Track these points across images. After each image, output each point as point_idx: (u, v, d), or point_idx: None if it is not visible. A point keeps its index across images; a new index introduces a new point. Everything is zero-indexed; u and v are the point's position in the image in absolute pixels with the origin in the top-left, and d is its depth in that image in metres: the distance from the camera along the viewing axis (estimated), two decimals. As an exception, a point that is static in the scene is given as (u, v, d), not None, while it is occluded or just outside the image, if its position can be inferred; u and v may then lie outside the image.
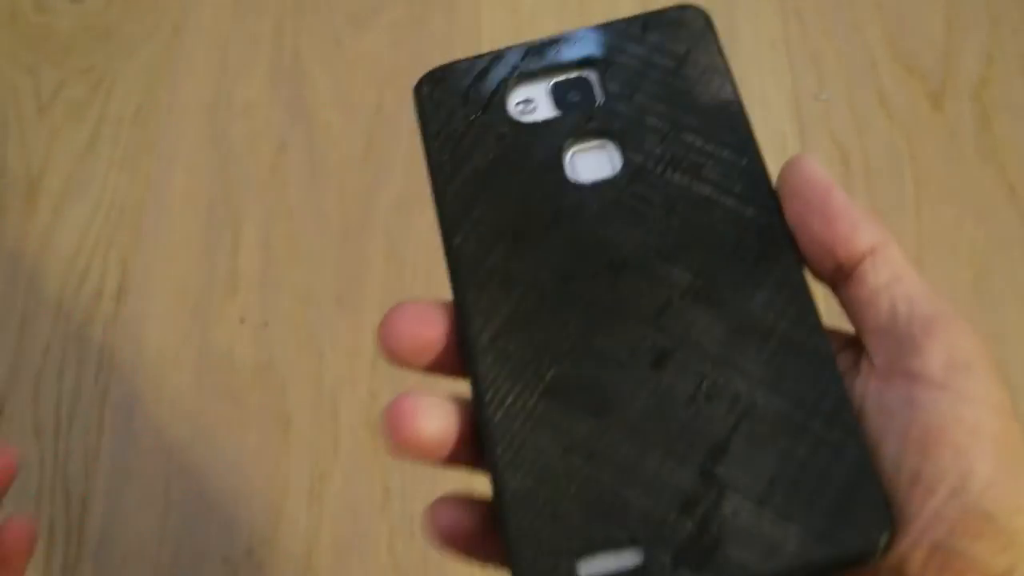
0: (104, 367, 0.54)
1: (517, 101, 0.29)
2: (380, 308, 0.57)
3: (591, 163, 0.28)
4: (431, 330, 0.27)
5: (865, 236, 0.26)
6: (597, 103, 0.28)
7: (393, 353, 0.27)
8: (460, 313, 0.27)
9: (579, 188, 0.28)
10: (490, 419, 0.26)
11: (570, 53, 0.29)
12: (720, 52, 0.28)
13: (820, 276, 0.27)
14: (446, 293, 0.27)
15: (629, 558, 0.25)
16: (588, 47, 0.29)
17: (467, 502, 0.26)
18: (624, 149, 0.28)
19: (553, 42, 0.29)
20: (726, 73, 0.28)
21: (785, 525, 0.25)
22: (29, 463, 0.52)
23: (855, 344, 0.27)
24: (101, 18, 0.63)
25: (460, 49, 0.60)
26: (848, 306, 0.27)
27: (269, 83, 0.61)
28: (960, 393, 0.25)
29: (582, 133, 0.28)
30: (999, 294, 0.55)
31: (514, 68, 0.29)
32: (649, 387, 0.26)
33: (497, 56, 0.29)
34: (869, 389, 0.26)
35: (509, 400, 0.26)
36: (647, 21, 0.29)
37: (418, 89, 0.29)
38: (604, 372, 0.26)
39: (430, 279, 0.56)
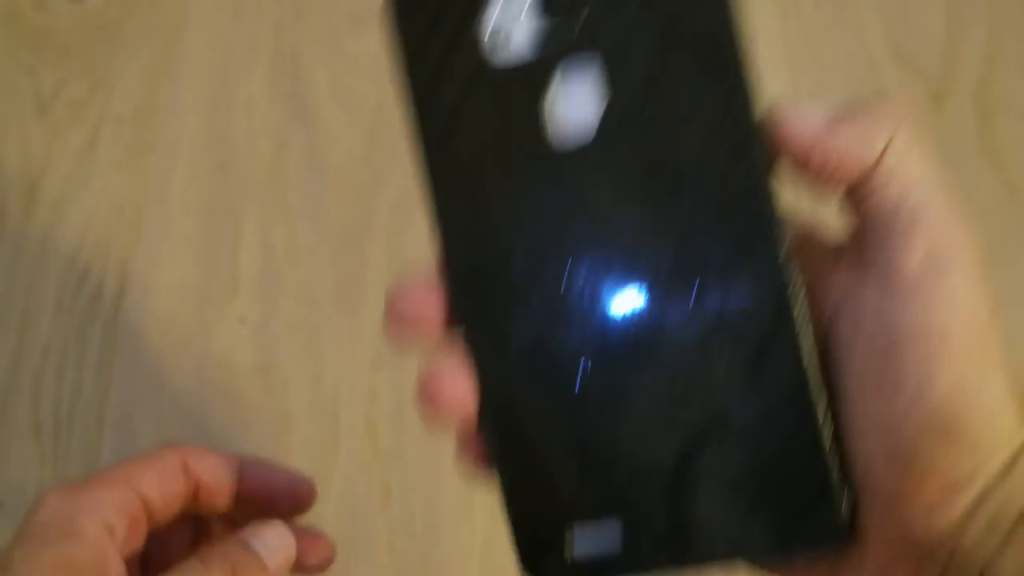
0: (104, 367, 0.54)
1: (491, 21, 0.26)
2: (380, 308, 0.57)
3: (574, 102, 0.26)
4: (433, 311, 0.27)
5: (877, 146, 0.25)
6: (584, 15, 0.26)
7: (403, 342, 0.27)
8: (448, 292, 0.28)
9: (555, 157, 0.26)
10: (485, 407, 0.28)
11: None
12: None
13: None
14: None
15: (612, 533, 0.27)
16: None
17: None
18: (608, 80, 0.26)
19: None
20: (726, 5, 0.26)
21: (752, 523, 0.27)
22: (29, 463, 0.52)
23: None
24: (101, 18, 0.63)
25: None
26: (849, 195, 0.26)
27: (269, 83, 0.61)
28: (932, 296, 0.24)
29: (565, 69, 0.26)
30: (999, 294, 0.55)
31: None
32: (633, 376, 0.27)
33: None
34: (850, 283, 0.26)
35: (502, 380, 0.27)
36: None
37: (387, 7, 0.27)
38: (592, 361, 0.27)
39: (430, 279, 0.56)
